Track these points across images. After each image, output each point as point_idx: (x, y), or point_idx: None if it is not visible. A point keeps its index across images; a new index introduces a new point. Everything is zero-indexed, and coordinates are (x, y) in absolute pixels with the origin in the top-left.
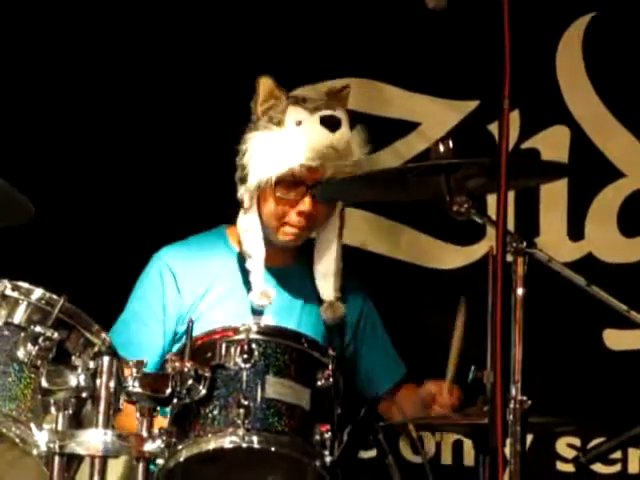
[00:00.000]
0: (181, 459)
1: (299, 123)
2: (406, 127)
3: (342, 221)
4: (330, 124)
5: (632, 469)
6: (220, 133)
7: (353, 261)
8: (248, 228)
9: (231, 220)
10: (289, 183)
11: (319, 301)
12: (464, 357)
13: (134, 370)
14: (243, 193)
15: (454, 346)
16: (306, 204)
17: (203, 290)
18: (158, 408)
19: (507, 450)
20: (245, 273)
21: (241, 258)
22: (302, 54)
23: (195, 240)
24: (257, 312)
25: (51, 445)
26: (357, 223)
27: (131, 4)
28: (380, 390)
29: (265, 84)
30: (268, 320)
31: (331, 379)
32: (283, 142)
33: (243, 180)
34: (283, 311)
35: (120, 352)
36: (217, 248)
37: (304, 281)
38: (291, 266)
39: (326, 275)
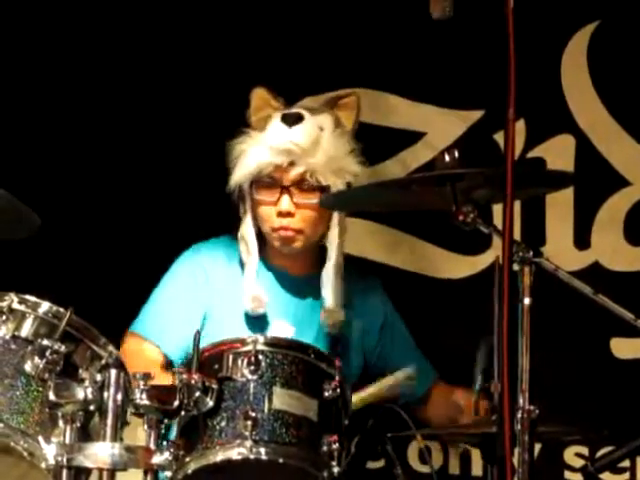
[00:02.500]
0: (189, 471)
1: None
2: (412, 137)
3: (342, 228)
4: (289, 120)
5: None
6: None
7: (364, 270)
8: (243, 235)
9: None
10: (265, 185)
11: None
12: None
13: (141, 382)
14: (235, 201)
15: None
16: (282, 204)
17: (227, 291)
18: (165, 421)
19: (515, 459)
20: (268, 280)
21: (265, 265)
22: (307, 65)
23: (225, 240)
24: (256, 317)
25: (59, 458)
26: (362, 233)
27: (131, 13)
28: (413, 396)
29: (257, 94)
30: (283, 327)
31: (338, 390)
32: (255, 145)
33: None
34: (303, 319)
35: (151, 338)
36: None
37: None
38: (312, 274)
39: (327, 282)
